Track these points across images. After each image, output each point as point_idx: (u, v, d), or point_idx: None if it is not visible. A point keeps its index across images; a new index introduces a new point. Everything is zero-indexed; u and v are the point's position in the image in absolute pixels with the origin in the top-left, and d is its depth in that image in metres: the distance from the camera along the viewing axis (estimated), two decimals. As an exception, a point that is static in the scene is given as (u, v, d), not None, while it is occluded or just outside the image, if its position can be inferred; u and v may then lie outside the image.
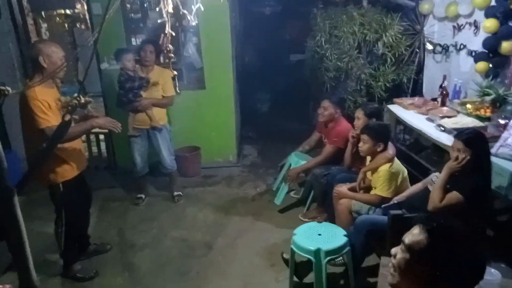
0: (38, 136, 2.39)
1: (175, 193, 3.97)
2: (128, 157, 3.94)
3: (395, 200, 2.60)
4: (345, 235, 2.49)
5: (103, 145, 4.81)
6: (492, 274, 1.84)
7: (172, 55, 2.42)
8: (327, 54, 4.15)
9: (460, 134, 2.35)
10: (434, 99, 3.90)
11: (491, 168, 2.38)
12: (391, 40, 4.00)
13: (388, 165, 2.69)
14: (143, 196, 3.95)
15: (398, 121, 3.83)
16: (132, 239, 3.37)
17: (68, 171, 2.68)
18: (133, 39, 4.37)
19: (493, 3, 3.36)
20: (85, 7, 3.91)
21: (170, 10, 1.65)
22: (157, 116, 3.65)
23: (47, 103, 2.45)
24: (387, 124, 2.97)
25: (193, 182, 4.40)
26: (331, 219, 3.20)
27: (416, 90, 4.43)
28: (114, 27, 4.07)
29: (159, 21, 1.81)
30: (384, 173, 2.69)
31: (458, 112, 3.54)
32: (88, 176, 4.36)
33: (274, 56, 7.47)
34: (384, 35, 4.01)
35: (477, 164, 2.29)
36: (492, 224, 3.09)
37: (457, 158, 2.28)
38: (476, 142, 2.28)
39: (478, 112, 3.30)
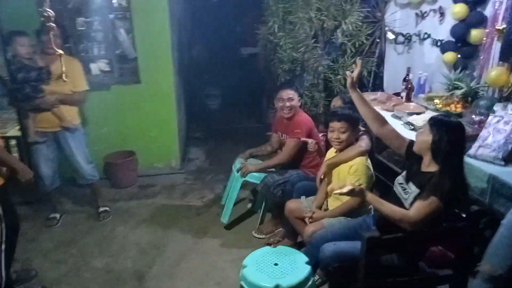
0: None
1: (101, 209, 3.30)
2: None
3: None
4: (307, 263, 1.98)
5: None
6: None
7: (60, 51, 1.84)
8: (281, 43, 3.66)
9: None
10: (398, 94, 3.57)
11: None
12: (350, 28, 3.58)
13: (364, 158, 2.27)
14: (57, 216, 3.24)
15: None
16: (41, 272, 2.65)
17: None
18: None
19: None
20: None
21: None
22: (67, 115, 2.97)
23: None
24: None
25: (126, 193, 3.74)
26: (290, 234, 2.73)
27: (376, 84, 4.07)
28: (24, 7, 3.33)
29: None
30: (360, 166, 2.23)
31: (426, 108, 3.20)
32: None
33: (224, 49, 6.98)
34: (343, 22, 3.58)
35: None
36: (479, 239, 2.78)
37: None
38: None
39: (448, 108, 2.98)
